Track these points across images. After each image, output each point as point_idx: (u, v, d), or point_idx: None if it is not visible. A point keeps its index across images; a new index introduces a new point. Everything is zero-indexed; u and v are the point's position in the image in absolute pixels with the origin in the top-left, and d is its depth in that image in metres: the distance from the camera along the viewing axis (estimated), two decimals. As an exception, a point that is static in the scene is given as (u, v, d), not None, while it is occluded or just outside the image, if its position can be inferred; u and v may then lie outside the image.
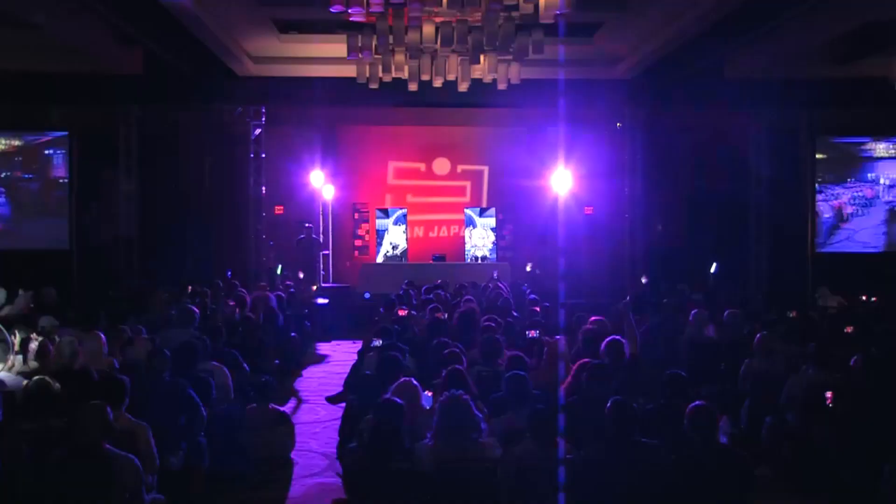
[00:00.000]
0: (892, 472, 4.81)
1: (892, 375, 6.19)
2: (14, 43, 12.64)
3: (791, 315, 9.44)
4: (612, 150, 16.00)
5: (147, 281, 14.20)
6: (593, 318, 8.34)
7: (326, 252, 16.50)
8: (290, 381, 10.37)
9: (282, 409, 8.38)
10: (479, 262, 16.22)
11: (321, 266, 16.36)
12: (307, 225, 15.70)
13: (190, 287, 11.67)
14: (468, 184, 17.19)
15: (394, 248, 16.29)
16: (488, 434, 4.99)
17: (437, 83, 11.61)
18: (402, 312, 9.45)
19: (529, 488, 4.46)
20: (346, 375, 8.82)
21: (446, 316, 9.31)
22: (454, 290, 12.12)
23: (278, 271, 14.80)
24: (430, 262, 16.09)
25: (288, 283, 14.16)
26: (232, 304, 10.80)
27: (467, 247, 16.43)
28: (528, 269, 15.82)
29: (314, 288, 15.28)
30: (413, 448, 4.72)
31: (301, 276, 14.91)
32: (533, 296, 11.31)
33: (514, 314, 9.74)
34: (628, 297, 11.19)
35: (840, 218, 15.71)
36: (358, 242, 16.85)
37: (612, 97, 15.55)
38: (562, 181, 16.39)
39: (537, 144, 17.08)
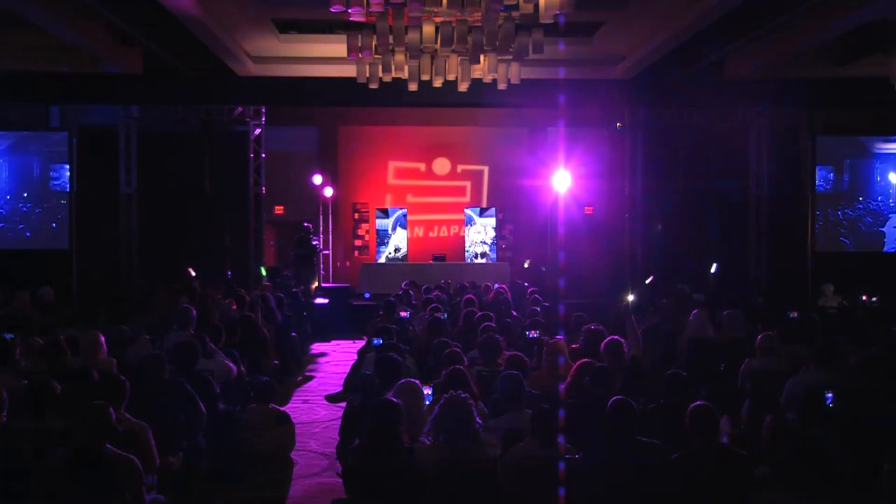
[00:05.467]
0: (893, 472, 4.81)
1: (892, 375, 6.18)
2: (14, 43, 12.64)
3: (791, 315, 9.44)
4: (612, 150, 16.00)
5: (147, 281, 14.20)
6: (592, 324, 8.31)
7: (326, 252, 16.46)
8: (290, 380, 10.37)
9: (282, 409, 8.38)
10: (479, 261, 16.21)
11: (321, 266, 16.35)
12: (305, 225, 15.67)
13: (190, 286, 11.66)
14: (468, 184, 17.19)
15: (396, 250, 16.29)
16: (488, 434, 4.98)
17: (437, 83, 11.61)
18: (402, 313, 9.45)
19: (529, 488, 4.45)
20: (345, 375, 8.82)
21: (446, 316, 9.32)
22: (454, 290, 12.13)
23: (262, 272, 14.81)
24: (430, 262, 16.09)
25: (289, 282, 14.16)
26: (232, 303, 10.79)
27: (467, 246, 16.42)
28: (526, 265, 15.82)
29: (314, 287, 15.27)
30: (413, 448, 4.72)
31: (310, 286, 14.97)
32: (535, 296, 11.30)
33: (514, 314, 9.73)
34: (631, 298, 11.18)
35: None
36: (358, 242, 16.85)
37: (612, 97, 15.55)
38: (562, 181, 16.40)
39: (537, 144, 17.10)
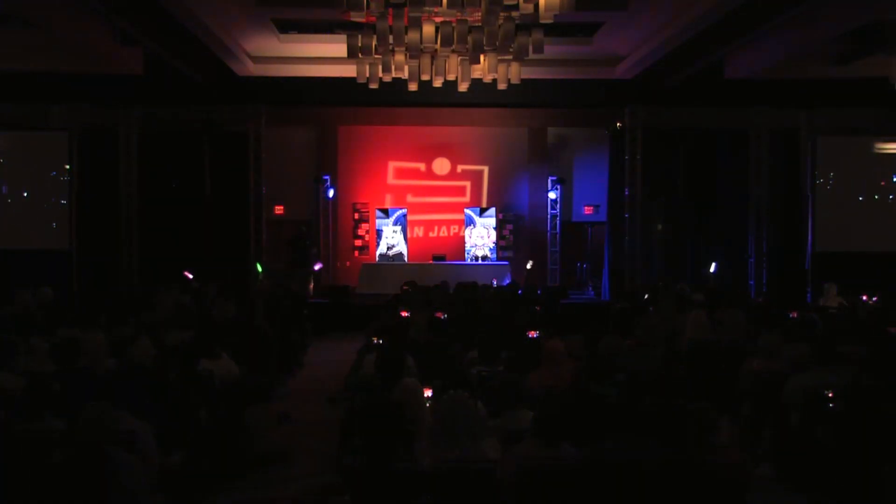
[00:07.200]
0: (893, 473, 4.81)
1: (893, 375, 6.18)
2: (14, 43, 12.65)
3: (791, 315, 9.43)
4: (612, 150, 16.00)
5: (147, 280, 14.22)
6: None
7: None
8: (291, 380, 10.37)
9: (282, 409, 8.38)
10: (479, 262, 16.21)
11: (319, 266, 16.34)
12: (303, 229, 15.65)
13: (191, 286, 11.66)
14: (468, 184, 17.20)
15: (389, 248, 16.27)
16: (488, 434, 4.98)
17: (437, 83, 11.61)
18: (403, 313, 9.45)
19: (529, 489, 4.45)
20: (346, 375, 8.82)
21: (446, 316, 9.31)
22: (455, 290, 12.13)
23: (259, 269, 14.84)
24: (430, 262, 16.09)
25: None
26: (232, 303, 10.78)
27: (467, 247, 16.42)
28: (529, 266, 15.83)
29: (311, 287, 15.29)
30: (413, 448, 4.72)
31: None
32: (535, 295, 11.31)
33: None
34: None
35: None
36: (358, 242, 16.86)
37: (612, 97, 15.56)
38: (561, 181, 16.42)
39: (538, 144, 17.10)
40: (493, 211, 16.52)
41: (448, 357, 6.42)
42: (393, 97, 13.96)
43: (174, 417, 5.73)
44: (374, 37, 9.92)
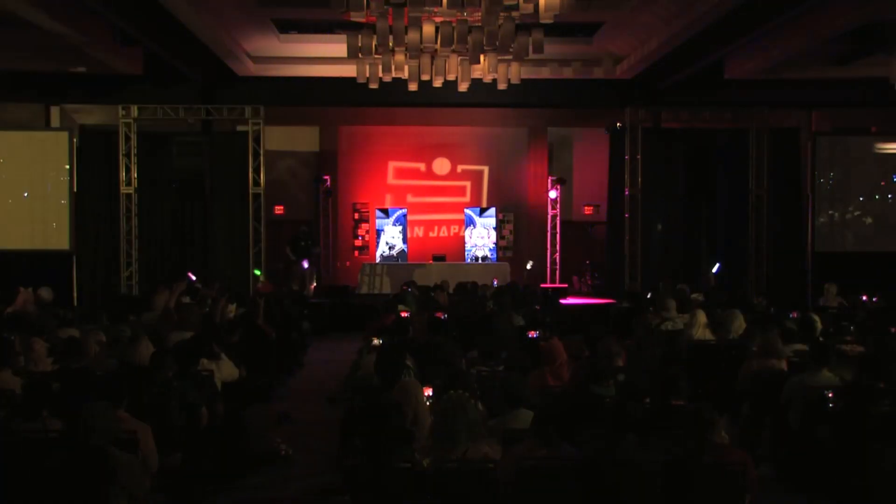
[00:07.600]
0: (891, 472, 4.81)
1: (891, 374, 6.18)
2: (14, 43, 12.66)
3: (791, 315, 9.44)
4: (612, 150, 16.00)
5: (147, 281, 14.22)
6: None
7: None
8: (291, 380, 10.37)
9: (282, 409, 8.38)
10: (479, 262, 16.21)
11: (320, 266, 16.35)
12: (304, 228, 15.66)
13: (192, 286, 11.66)
14: (468, 184, 17.20)
15: (390, 248, 16.27)
16: (488, 434, 4.98)
17: (437, 83, 11.62)
18: (402, 313, 9.45)
19: (529, 489, 4.45)
20: (346, 375, 8.82)
21: (446, 316, 9.32)
22: (454, 290, 12.15)
23: (258, 273, 14.84)
24: (430, 262, 16.09)
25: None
26: (231, 303, 10.78)
27: (467, 247, 16.43)
28: (529, 266, 15.84)
29: (313, 287, 15.29)
30: (413, 448, 4.72)
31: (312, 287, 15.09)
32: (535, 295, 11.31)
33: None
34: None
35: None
36: (358, 242, 16.86)
37: (612, 97, 15.56)
38: (561, 181, 16.42)
39: (538, 144, 17.11)
40: (493, 211, 16.52)
41: (448, 357, 6.41)
42: (393, 97, 13.96)
43: (174, 417, 5.72)
44: (374, 37, 9.93)
